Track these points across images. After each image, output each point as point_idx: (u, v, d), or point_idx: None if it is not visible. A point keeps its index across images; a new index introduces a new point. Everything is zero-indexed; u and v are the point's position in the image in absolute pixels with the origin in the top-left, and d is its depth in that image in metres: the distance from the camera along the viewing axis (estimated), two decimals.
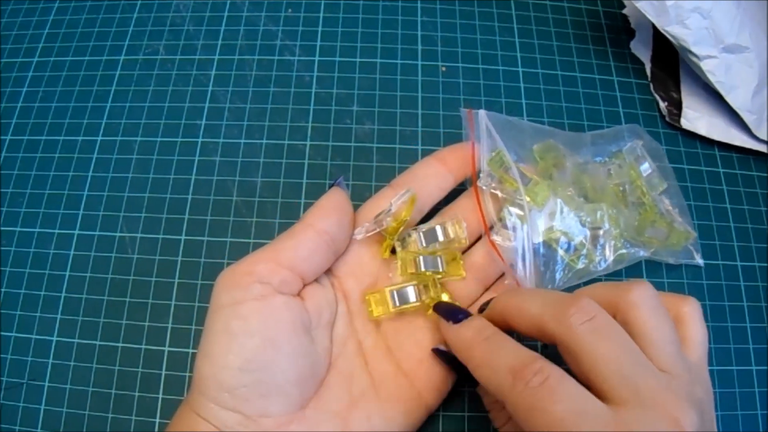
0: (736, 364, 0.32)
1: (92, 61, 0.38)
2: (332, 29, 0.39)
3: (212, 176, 0.35)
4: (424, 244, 0.28)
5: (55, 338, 0.31)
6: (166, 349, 0.31)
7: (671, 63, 0.38)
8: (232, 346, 0.23)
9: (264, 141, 0.36)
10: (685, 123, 0.36)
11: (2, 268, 0.33)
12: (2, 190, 0.35)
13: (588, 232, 0.31)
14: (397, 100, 0.37)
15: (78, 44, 0.39)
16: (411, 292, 0.27)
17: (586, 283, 0.31)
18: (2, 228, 0.34)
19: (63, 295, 0.32)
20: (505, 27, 0.40)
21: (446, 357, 0.26)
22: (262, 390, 0.23)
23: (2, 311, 0.32)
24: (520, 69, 0.38)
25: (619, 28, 0.40)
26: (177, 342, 0.31)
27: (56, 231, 0.34)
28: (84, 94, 0.37)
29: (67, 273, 0.33)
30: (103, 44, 0.39)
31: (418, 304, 0.28)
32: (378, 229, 0.28)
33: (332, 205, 0.27)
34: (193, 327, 0.31)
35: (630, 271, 0.33)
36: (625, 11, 0.40)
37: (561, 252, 0.30)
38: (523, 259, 0.29)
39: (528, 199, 0.29)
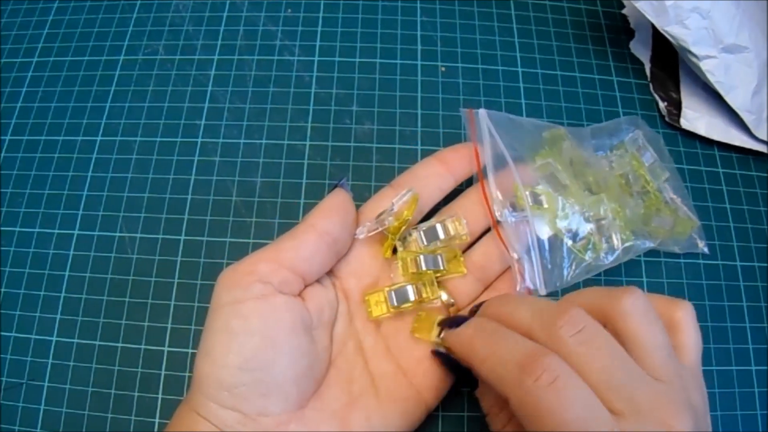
0: (735, 364, 0.32)
1: (92, 61, 0.38)
2: (332, 29, 0.39)
3: (212, 176, 0.35)
4: (425, 243, 0.29)
5: (54, 338, 0.31)
6: (166, 349, 0.31)
7: (671, 63, 0.38)
8: (232, 345, 0.23)
9: (263, 141, 0.36)
10: (685, 123, 0.36)
11: (2, 268, 0.33)
12: (2, 190, 0.35)
13: (593, 225, 0.31)
14: (396, 100, 0.37)
15: (77, 44, 0.39)
16: (410, 292, 0.27)
17: (586, 282, 0.31)
18: (2, 228, 0.34)
19: (62, 295, 0.32)
20: (505, 27, 0.40)
21: (445, 358, 0.26)
22: (261, 389, 0.23)
23: (2, 311, 0.32)
24: (519, 69, 0.38)
25: (618, 28, 0.40)
26: (176, 342, 0.31)
27: (56, 231, 0.34)
28: (83, 94, 0.37)
29: (67, 273, 0.33)
30: (102, 44, 0.39)
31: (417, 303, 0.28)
32: (380, 229, 0.28)
33: (335, 205, 0.27)
34: (193, 327, 0.31)
35: (630, 271, 0.33)
36: (624, 11, 0.40)
37: (568, 242, 0.30)
38: (529, 255, 0.29)
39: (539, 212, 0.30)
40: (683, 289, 0.33)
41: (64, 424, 0.30)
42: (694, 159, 0.36)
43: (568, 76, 0.38)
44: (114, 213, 0.34)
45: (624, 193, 0.32)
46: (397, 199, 0.28)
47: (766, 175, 0.36)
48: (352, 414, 0.26)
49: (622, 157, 0.33)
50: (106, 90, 0.37)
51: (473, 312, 0.26)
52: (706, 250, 0.33)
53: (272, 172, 0.35)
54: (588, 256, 0.30)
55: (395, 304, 0.27)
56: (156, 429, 0.29)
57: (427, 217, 0.31)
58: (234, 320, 0.24)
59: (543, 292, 0.29)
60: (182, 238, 0.33)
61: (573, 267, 0.30)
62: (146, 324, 0.31)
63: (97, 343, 0.31)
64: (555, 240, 0.30)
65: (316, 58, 0.38)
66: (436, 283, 0.28)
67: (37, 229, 0.34)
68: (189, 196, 0.34)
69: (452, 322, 0.25)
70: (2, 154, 0.36)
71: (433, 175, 0.30)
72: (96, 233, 0.33)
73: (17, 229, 0.34)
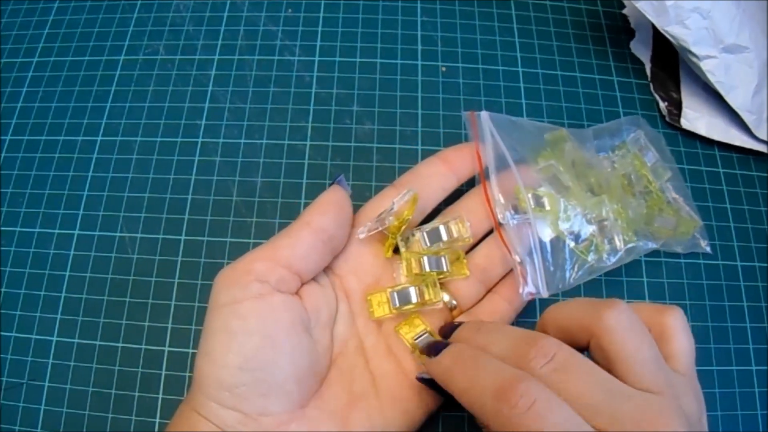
0: (736, 365, 0.32)
1: (92, 61, 0.38)
2: (332, 29, 0.39)
3: (212, 176, 0.35)
4: (428, 244, 0.29)
5: (55, 338, 0.31)
6: (166, 349, 0.31)
7: (671, 63, 0.38)
8: (232, 345, 0.23)
9: (264, 141, 0.36)
10: (685, 123, 0.36)
11: (2, 268, 0.33)
12: (2, 190, 0.35)
13: (595, 226, 0.31)
14: (397, 100, 0.37)
15: (78, 44, 0.39)
16: (412, 294, 0.27)
17: (588, 284, 0.31)
18: (2, 228, 0.34)
19: (63, 295, 0.32)
20: (505, 27, 0.40)
21: (430, 384, 0.25)
22: (261, 389, 0.23)
23: (2, 311, 0.32)
24: (520, 69, 0.38)
25: (619, 28, 0.40)
26: (177, 342, 0.31)
27: (56, 231, 0.34)
28: (84, 94, 0.37)
29: (67, 273, 0.33)
30: (103, 44, 0.39)
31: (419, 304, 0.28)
32: (380, 228, 0.28)
33: (330, 203, 0.27)
34: (193, 327, 0.31)
35: (631, 272, 0.33)
36: (624, 11, 0.40)
37: (571, 244, 0.30)
38: (532, 257, 0.29)
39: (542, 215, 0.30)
40: (684, 289, 0.33)
41: (65, 424, 0.30)
42: (695, 159, 0.36)
43: (569, 76, 0.38)
44: (114, 213, 0.34)
45: (626, 194, 0.32)
46: (398, 198, 0.28)
47: (766, 175, 0.36)
48: (353, 413, 0.26)
49: (624, 157, 0.34)
50: (106, 90, 0.37)
51: (443, 333, 0.26)
52: (708, 249, 0.33)
53: (273, 172, 0.35)
54: (590, 258, 0.30)
55: (397, 305, 0.27)
56: (156, 429, 0.29)
57: (430, 217, 0.31)
58: (233, 320, 0.24)
59: (545, 294, 0.29)
60: (183, 238, 0.33)
61: (575, 269, 0.30)
62: (147, 324, 0.31)
63: (98, 343, 0.31)
64: (557, 242, 0.30)
65: (317, 58, 0.38)
66: (438, 285, 0.28)
67: (37, 229, 0.34)
68: (189, 196, 0.34)
69: (431, 348, 0.25)
70: (3, 154, 0.36)
71: (435, 174, 0.30)
72: (96, 233, 0.33)
73: (18, 229, 0.34)
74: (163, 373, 0.30)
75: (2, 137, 0.36)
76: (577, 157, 0.32)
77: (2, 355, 0.31)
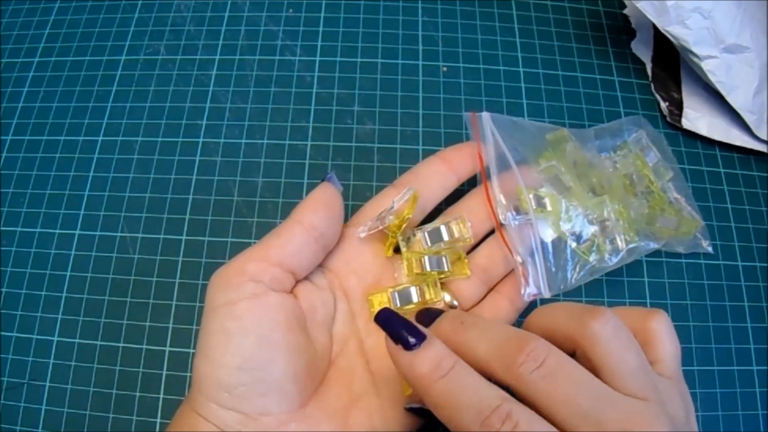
0: (737, 364, 0.32)
1: (93, 61, 0.38)
2: (333, 29, 0.39)
3: (213, 176, 0.35)
4: (429, 244, 0.29)
5: (55, 338, 0.31)
6: (167, 349, 0.31)
7: (672, 63, 0.38)
8: (229, 345, 0.23)
9: (265, 141, 0.36)
10: (686, 123, 0.36)
11: (3, 268, 0.33)
12: (3, 190, 0.35)
13: (597, 227, 0.31)
14: (398, 100, 0.37)
15: (79, 44, 0.39)
16: (413, 293, 0.28)
17: (589, 284, 0.31)
18: (3, 228, 0.34)
19: (64, 295, 0.32)
20: (506, 27, 0.40)
21: (422, 414, 0.25)
22: (260, 388, 0.23)
23: (3, 311, 0.32)
24: (521, 69, 0.38)
25: (619, 28, 0.40)
26: (178, 342, 0.31)
27: (57, 231, 0.34)
28: (85, 95, 0.37)
29: (68, 273, 0.33)
30: (104, 44, 0.39)
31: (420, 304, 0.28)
32: (380, 227, 0.28)
33: (320, 200, 0.27)
34: (194, 327, 0.31)
35: (631, 272, 0.33)
36: (625, 11, 0.40)
37: (572, 244, 0.30)
38: (533, 258, 0.29)
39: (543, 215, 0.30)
40: (685, 289, 0.33)
41: (66, 424, 0.30)
42: (696, 159, 0.36)
43: (570, 76, 0.38)
44: (115, 213, 0.34)
45: (628, 194, 0.32)
46: (398, 198, 0.28)
47: (767, 175, 0.36)
48: (353, 413, 0.26)
49: (626, 157, 0.34)
50: (107, 90, 0.37)
51: (421, 320, 0.24)
52: (710, 250, 0.33)
53: (274, 172, 0.35)
54: (592, 258, 0.30)
55: (398, 305, 0.27)
56: (157, 429, 0.29)
57: (432, 217, 0.31)
58: (229, 321, 0.24)
59: (547, 294, 0.29)
60: (183, 238, 0.33)
61: (577, 269, 0.30)
62: (148, 324, 0.31)
63: (99, 343, 0.31)
64: (559, 242, 0.30)
65: (318, 58, 0.38)
66: (439, 285, 0.28)
67: (38, 229, 0.34)
68: (190, 196, 0.34)
69: (396, 332, 0.22)
70: (4, 154, 0.36)
71: (436, 174, 0.30)
72: (97, 233, 0.33)
73: (19, 229, 0.34)
74: (164, 373, 0.30)
75: (3, 137, 0.36)
76: (578, 158, 0.32)
77: (3, 355, 0.31)
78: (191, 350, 0.31)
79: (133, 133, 0.36)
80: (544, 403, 0.20)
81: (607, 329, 0.21)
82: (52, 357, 0.31)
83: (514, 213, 0.30)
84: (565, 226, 0.31)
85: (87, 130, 0.36)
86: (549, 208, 0.30)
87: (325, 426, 0.25)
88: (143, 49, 0.39)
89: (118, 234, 0.33)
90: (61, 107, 0.37)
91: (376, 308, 0.28)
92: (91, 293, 0.32)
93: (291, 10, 0.40)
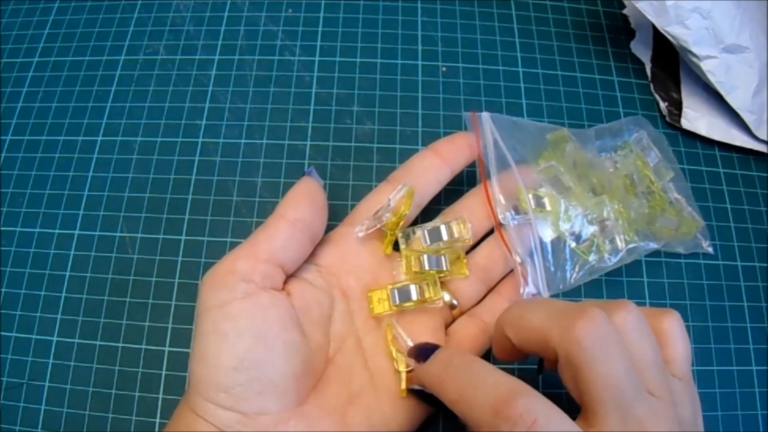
0: (736, 365, 0.32)
1: (92, 61, 0.38)
2: (332, 29, 0.39)
3: (212, 176, 0.35)
4: (428, 243, 0.29)
5: (55, 338, 0.31)
6: (167, 349, 0.31)
7: (671, 63, 0.38)
8: (224, 346, 0.23)
9: (264, 141, 0.36)
10: (686, 123, 0.36)
11: (2, 268, 0.33)
12: (2, 190, 0.35)
13: (597, 227, 0.31)
14: (397, 101, 0.37)
15: (78, 44, 0.39)
16: (412, 291, 0.28)
17: (589, 284, 0.31)
18: (2, 228, 0.34)
19: (63, 295, 0.32)
20: (506, 27, 0.40)
21: (421, 395, 0.25)
22: (257, 388, 0.23)
23: (2, 311, 0.32)
24: (520, 69, 0.38)
25: (619, 28, 0.40)
26: (177, 342, 0.31)
27: (56, 231, 0.34)
28: (84, 94, 0.37)
29: (68, 273, 0.33)
30: (103, 44, 0.39)
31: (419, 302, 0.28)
32: (378, 225, 0.28)
33: (302, 193, 0.27)
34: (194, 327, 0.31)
35: (631, 272, 0.33)
36: (625, 11, 0.40)
37: (572, 244, 0.30)
38: (532, 258, 0.29)
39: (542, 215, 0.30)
40: (684, 289, 0.33)
41: (65, 424, 0.30)
42: (695, 159, 0.36)
43: (569, 76, 0.38)
44: (115, 213, 0.34)
45: (628, 194, 0.32)
46: (393, 195, 0.28)
47: (766, 175, 0.36)
48: (352, 411, 0.26)
49: (627, 157, 0.34)
50: (106, 90, 0.37)
51: (414, 354, 0.25)
52: (710, 250, 0.33)
53: (273, 172, 0.35)
54: (591, 258, 0.30)
55: (397, 302, 0.27)
56: (157, 429, 0.29)
57: (432, 216, 0.31)
58: (222, 322, 0.24)
59: (546, 294, 0.29)
60: (183, 238, 0.33)
61: (576, 269, 0.30)
62: (147, 324, 0.31)
63: (98, 343, 0.31)
64: (558, 242, 0.30)
65: (317, 58, 0.38)
66: (438, 284, 0.28)
67: (37, 229, 0.34)
68: (190, 196, 0.34)
69: (420, 352, 0.24)
70: (3, 154, 0.36)
71: (429, 168, 0.30)
72: (97, 233, 0.33)
73: (18, 229, 0.34)
74: (164, 373, 0.30)
75: (2, 137, 0.36)
76: (578, 158, 0.32)
77: (2, 355, 0.31)
78: (191, 350, 0.31)
79: (133, 133, 0.36)
80: (589, 376, 0.19)
81: (632, 319, 0.22)
82: (52, 357, 0.31)
83: (513, 213, 0.30)
84: (565, 226, 0.31)
85: (86, 130, 0.36)
86: (548, 208, 0.30)
87: (323, 424, 0.25)
88: (142, 49, 0.39)
89: (118, 234, 0.33)
90: (60, 107, 0.37)
91: (375, 305, 0.28)
92: (91, 293, 0.32)
93: (290, 10, 0.40)
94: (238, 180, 0.35)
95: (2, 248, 0.33)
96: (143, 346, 0.31)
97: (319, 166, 0.35)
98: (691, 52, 0.35)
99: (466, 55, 0.39)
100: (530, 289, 0.29)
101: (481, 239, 0.31)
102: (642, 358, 0.21)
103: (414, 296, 0.27)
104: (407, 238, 0.29)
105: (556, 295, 0.30)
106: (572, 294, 0.32)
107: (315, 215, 0.27)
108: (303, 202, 0.27)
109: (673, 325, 0.23)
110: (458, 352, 0.23)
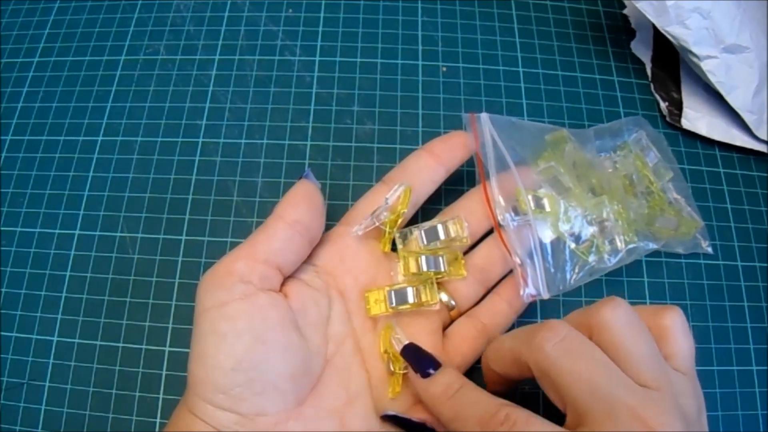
0: (736, 365, 0.32)
1: (93, 61, 0.38)
2: (333, 29, 0.39)
3: (213, 176, 0.35)
4: (425, 242, 0.29)
5: (55, 338, 0.31)
6: (167, 349, 0.31)
7: (672, 63, 0.38)
8: (222, 347, 0.23)
9: (264, 141, 0.36)
10: (686, 123, 0.36)
11: (3, 268, 0.33)
12: (3, 190, 0.35)
13: (596, 227, 0.31)
14: (397, 101, 0.37)
15: (78, 44, 0.39)
16: (409, 294, 0.27)
17: (589, 285, 0.31)
18: (3, 228, 0.34)
19: (63, 295, 0.32)
20: (506, 27, 0.40)
21: (396, 420, 0.26)
22: (256, 388, 0.23)
23: (3, 311, 0.32)
24: (520, 69, 0.38)
25: (619, 28, 0.40)
26: (178, 342, 0.31)
27: (57, 231, 0.34)
28: (85, 95, 0.37)
29: (68, 273, 0.33)
30: (103, 44, 0.39)
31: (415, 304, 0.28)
32: (376, 224, 0.28)
33: (299, 195, 0.27)
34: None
35: (631, 272, 0.33)
36: (625, 11, 0.40)
37: (571, 245, 0.30)
38: (532, 259, 0.29)
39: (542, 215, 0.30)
40: (684, 289, 0.33)
41: (65, 424, 0.30)
42: (695, 159, 0.36)
43: (569, 76, 0.38)
44: (115, 213, 0.34)
45: (628, 194, 0.32)
46: (391, 194, 0.28)
47: (767, 175, 0.36)
48: (350, 412, 0.26)
49: (626, 157, 0.33)
50: (107, 90, 0.37)
51: (417, 362, 0.26)
52: (710, 250, 0.33)
53: (273, 172, 0.35)
54: (591, 259, 0.30)
55: (394, 304, 0.27)
56: (157, 429, 0.29)
57: (430, 217, 0.31)
58: (221, 323, 0.24)
59: (546, 295, 0.29)
60: (183, 238, 0.33)
61: (576, 270, 0.30)
62: (147, 324, 0.31)
63: (98, 343, 0.31)
64: (558, 243, 0.30)
65: (317, 58, 0.38)
66: (435, 286, 0.28)
67: (38, 229, 0.34)
68: (190, 196, 0.34)
69: (418, 363, 0.25)
70: (3, 154, 0.36)
71: (424, 168, 0.30)
72: (97, 233, 0.33)
73: (18, 229, 0.34)
74: (164, 373, 0.30)
75: (3, 137, 0.36)
76: (578, 158, 0.32)
77: (2, 355, 0.31)
78: (189, 351, 0.31)
79: (133, 133, 0.36)
80: (561, 378, 0.21)
81: (620, 313, 0.22)
82: (52, 357, 0.31)
83: (512, 214, 0.30)
84: (564, 227, 0.31)
85: (86, 130, 0.36)
86: (547, 209, 0.30)
87: (322, 424, 0.25)
88: (143, 49, 0.39)
89: (118, 234, 0.33)
90: (60, 107, 0.37)
91: (372, 305, 0.28)
92: (91, 293, 0.32)
93: (290, 10, 0.40)
94: (238, 180, 0.35)
95: (2, 248, 0.33)
96: (143, 346, 0.31)
97: (320, 166, 0.35)
98: (691, 52, 0.35)
99: (467, 55, 0.39)
100: (530, 290, 0.29)
101: (479, 240, 0.31)
102: (634, 352, 0.21)
103: (411, 299, 0.27)
104: (404, 238, 0.29)
105: (556, 296, 0.30)
106: (572, 295, 0.32)
107: (313, 217, 0.27)
108: (301, 203, 0.27)
109: (674, 321, 0.23)
110: (457, 376, 0.24)
